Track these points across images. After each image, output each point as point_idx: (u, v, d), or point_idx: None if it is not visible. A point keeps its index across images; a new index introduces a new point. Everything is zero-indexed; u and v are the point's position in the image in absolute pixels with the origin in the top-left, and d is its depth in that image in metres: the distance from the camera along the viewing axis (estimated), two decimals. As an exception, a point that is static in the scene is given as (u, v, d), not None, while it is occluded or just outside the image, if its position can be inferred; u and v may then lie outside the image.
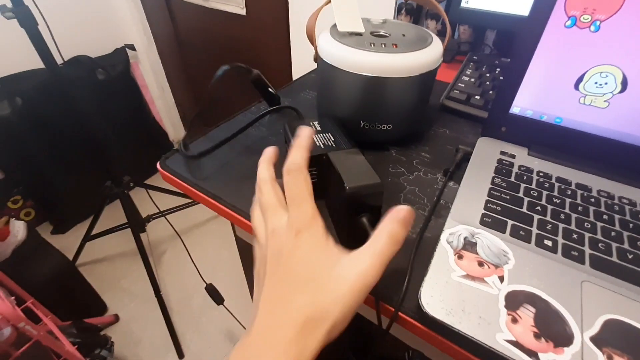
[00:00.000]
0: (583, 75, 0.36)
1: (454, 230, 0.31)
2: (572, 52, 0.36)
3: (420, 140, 0.46)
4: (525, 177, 0.38)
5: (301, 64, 1.15)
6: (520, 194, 0.36)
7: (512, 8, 0.55)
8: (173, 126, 1.85)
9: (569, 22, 0.35)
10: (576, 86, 0.37)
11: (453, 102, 0.52)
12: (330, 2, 0.42)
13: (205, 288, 0.84)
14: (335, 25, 0.42)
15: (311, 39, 0.43)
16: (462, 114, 0.51)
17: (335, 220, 0.33)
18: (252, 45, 1.29)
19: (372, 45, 0.38)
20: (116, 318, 1.17)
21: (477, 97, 0.51)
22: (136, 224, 1.11)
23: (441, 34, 0.73)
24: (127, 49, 1.47)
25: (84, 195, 1.39)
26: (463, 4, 0.58)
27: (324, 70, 0.40)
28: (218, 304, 0.87)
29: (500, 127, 0.43)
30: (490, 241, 0.30)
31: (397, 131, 0.43)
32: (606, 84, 0.36)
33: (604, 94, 0.36)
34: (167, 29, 1.53)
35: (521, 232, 0.32)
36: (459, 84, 0.54)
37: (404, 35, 0.42)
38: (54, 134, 1.28)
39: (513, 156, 0.41)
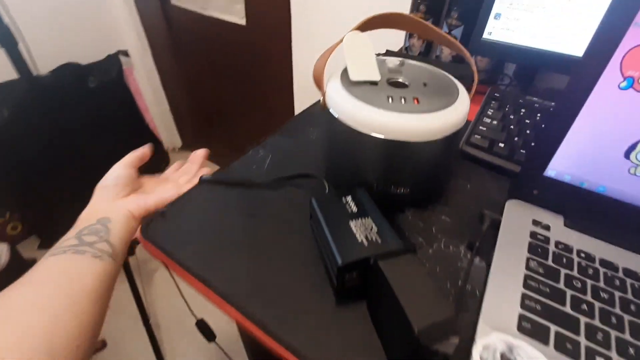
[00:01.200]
0: (636, 143, 0.31)
1: (488, 343, 0.26)
2: (626, 117, 0.31)
3: (439, 198, 0.41)
4: (564, 260, 0.32)
5: (303, 76, 1.09)
6: (561, 285, 0.30)
7: (538, 42, 0.49)
8: (168, 132, 1.79)
9: (624, 84, 0.30)
10: (627, 155, 0.32)
11: (474, 148, 0.47)
12: (342, 42, 0.36)
13: (196, 324, 0.79)
14: (346, 70, 0.37)
15: (319, 84, 0.37)
16: (484, 162, 0.46)
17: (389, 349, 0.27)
18: (252, 56, 1.23)
19: (391, 100, 0.33)
20: (103, 344, 1.12)
21: (501, 145, 0.45)
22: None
23: (458, 60, 0.67)
24: (120, 55, 1.40)
25: (72, 209, 1.33)
26: (485, 36, 0.52)
27: (333, 124, 0.35)
28: (209, 341, 0.82)
29: (532, 190, 0.38)
30: (533, 360, 0.25)
31: (415, 195, 0.37)
32: (665, 156, 0.31)
33: (661, 166, 0.31)
34: (163, 35, 1.47)
35: (567, 344, 0.26)
36: (480, 127, 0.48)
37: (425, 84, 0.36)
38: (42, 144, 1.22)
39: (547, 227, 0.36)
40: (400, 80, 0.37)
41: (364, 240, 0.28)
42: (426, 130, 0.31)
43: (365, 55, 0.36)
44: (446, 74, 0.39)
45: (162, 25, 1.43)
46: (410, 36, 0.71)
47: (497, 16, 0.50)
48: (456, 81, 0.37)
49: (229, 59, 1.30)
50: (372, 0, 0.80)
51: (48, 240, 1.39)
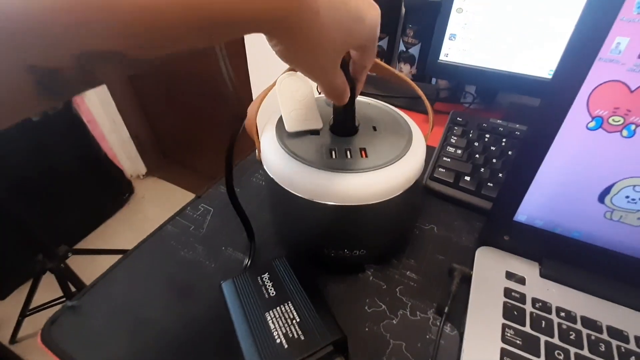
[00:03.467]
0: (610, 187, 0.28)
1: None
2: (597, 160, 0.27)
3: (403, 248, 0.36)
4: (544, 324, 0.28)
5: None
6: (542, 358, 0.26)
7: (497, 63, 0.46)
8: (130, 160, 1.69)
9: (592, 124, 0.26)
10: (601, 199, 0.28)
11: (439, 184, 0.43)
12: (276, 85, 0.31)
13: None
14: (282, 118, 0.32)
15: (252, 134, 0.32)
16: (451, 198, 0.42)
17: None
18: (209, 78, 1.17)
19: (334, 155, 0.28)
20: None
21: (467, 179, 0.42)
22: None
23: (417, 78, 0.64)
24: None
25: (22, 257, 1.21)
26: (442, 58, 0.49)
27: (271, 184, 0.30)
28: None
29: (502, 236, 0.34)
30: None
31: (373, 254, 0.32)
32: (643, 201, 0.27)
33: (638, 210, 0.28)
34: (114, 59, 1.38)
35: None
36: (444, 158, 0.45)
37: (374, 128, 0.32)
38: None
39: (523, 280, 0.32)
40: (346, 125, 0.32)
41: (283, 340, 0.23)
42: (377, 192, 0.27)
43: (303, 99, 0.32)
44: (397, 112, 0.34)
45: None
46: (367, 55, 0.67)
47: (452, 37, 0.47)
48: (409, 121, 0.33)
49: (185, 84, 1.24)
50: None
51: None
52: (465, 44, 0.46)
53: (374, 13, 0.22)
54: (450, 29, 0.46)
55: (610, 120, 0.26)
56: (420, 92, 0.33)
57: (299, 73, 0.32)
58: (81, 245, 1.42)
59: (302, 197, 0.27)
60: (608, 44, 0.24)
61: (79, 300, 0.31)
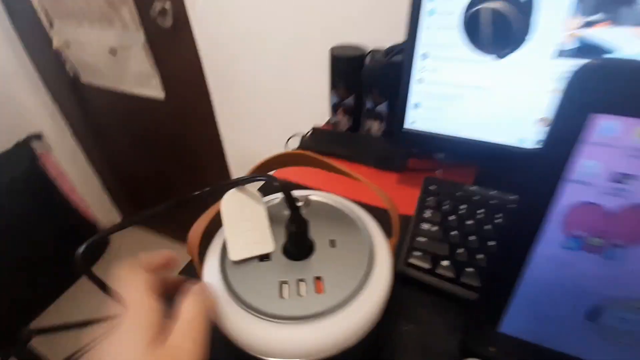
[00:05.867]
0: (599, 306, 0.25)
1: None
2: (580, 279, 0.24)
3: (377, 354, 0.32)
4: None
5: (233, 145, 1.01)
6: None
7: (466, 131, 0.44)
8: (105, 210, 1.62)
9: (571, 244, 0.23)
10: (591, 318, 0.25)
11: (415, 270, 0.39)
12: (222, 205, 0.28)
13: None
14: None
15: (194, 261, 0.28)
16: (427, 286, 0.38)
17: None
18: (179, 132, 1.14)
19: (285, 293, 0.24)
20: None
21: (445, 264, 0.38)
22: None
23: (387, 134, 0.61)
24: (33, 140, 1.25)
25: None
26: (407, 126, 0.46)
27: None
28: None
29: (487, 347, 0.30)
30: None
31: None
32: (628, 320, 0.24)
33: (631, 330, 0.25)
34: (80, 113, 1.34)
35: None
36: (419, 238, 0.41)
37: (332, 243, 0.28)
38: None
39: (514, 405, 0.28)
40: (301, 241, 0.29)
41: None
42: (335, 342, 0.23)
43: (252, 218, 0.28)
44: (357, 214, 0.31)
45: (76, 105, 1.31)
46: (335, 111, 0.64)
47: (417, 105, 0.44)
48: (371, 225, 0.30)
49: (155, 133, 1.20)
50: (290, 61, 0.74)
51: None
52: (432, 112, 0.44)
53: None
54: (413, 98, 0.44)
55: (589, 241, 0.23)
56: (385, 200, 0.30)
57: (248, 187, 0.29)
58: (53, 311, 1.33)
59: (245, 351, 0.23)
60: (576, 166, 0.21)
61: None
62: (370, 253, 0.27)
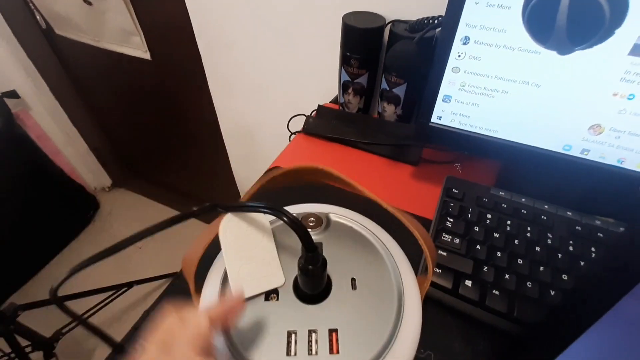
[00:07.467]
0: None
1: None
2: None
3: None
4: None
5: (232, 119, 0.93)
6: None
7: (504, 133, 0.38)
8: (92, 173, 1.55)
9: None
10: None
11: (435, 289, 0.35)
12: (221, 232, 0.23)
13: None
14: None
15: (191, 290, 0.23)
16: (449, 308, 0.35)
17: None
18: (167, 93, 1.04)
19: (292, 350, 0.20)
20: None
21: (469, 284, 0.35)
22: (42, 347, 0.86)
23: (403, 119, 0.55)
24: (5, 98, 1.14)
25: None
26: (434, 120, 0.40)
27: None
28: None
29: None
30: None
31: None
32: None
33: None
34: (59, 69, 1.22)
35: None
36: (440, 251, 0.37)
37: (353, 283, 0.23)
38: None
39: None
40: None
41: None
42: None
43: (257, 248, 0.23)
44: (385, 242, 0.26)
45: (54, 61, 1.18)
46: (344, 92, 0.57)
47: (447, 99, 0.38)
48: (402, 264, 0.25)
49: (142, 92, 1.10)
50: (295, 27, 0.65)
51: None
52: (463, 108, 0.38)
53: None
54: (443, 89, 0.37)
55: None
56: (416, 234, 0.25)
57: (248, 212, 0.23)
58: (42, 276, 1.31)
59: None
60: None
61: None
62: (398, 302, 0.23)
